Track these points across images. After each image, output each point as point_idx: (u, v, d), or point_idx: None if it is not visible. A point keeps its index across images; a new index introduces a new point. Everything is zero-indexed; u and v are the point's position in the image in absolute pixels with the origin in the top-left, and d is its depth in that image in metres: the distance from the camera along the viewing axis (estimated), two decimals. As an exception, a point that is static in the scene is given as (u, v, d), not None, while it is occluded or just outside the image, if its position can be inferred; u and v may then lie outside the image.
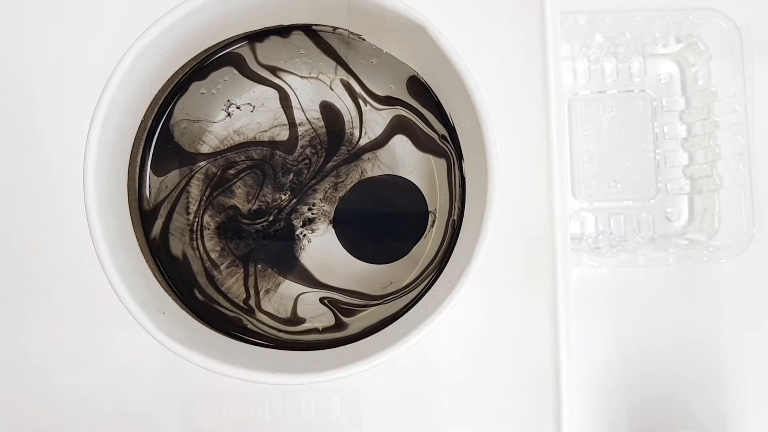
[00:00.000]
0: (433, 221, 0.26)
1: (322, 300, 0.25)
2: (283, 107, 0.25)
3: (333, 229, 0.26)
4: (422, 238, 0.26)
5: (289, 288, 0.25)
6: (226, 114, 0.26)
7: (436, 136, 0.25)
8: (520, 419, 0.28)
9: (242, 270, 0.25)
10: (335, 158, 0.26)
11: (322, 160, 0.26)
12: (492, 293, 0.28)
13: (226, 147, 0.25)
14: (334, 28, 0.25)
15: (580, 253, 0.30)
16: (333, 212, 0.26)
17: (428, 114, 0.25)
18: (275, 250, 0.25)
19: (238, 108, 0.25)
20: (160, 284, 0.24)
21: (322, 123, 0.26)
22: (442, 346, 0.28)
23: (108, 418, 0.28)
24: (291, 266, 0.25)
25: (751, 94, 0.30)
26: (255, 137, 0.25)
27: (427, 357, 0.28)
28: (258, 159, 0.25)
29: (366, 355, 0.20)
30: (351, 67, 0.25)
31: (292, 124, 0.26)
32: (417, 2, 0.22)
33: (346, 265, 0.26)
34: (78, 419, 0.28)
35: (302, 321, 0.25)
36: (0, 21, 0.28)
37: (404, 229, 0.26)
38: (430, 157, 0.26)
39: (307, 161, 0.26)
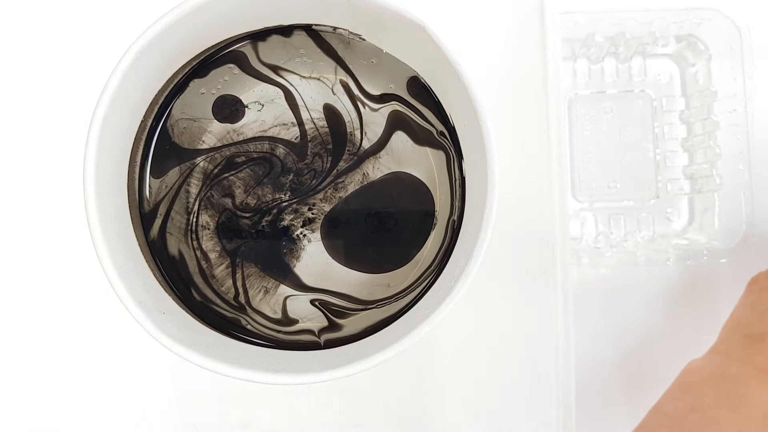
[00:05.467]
0: (435, 222, 0.26)
1: (312, 302, 0.25)
2: (289, 106, 0.25)
3: (321, 241, 0.25)
4: (424, 242, 0.26)
5: (279, 289, 0.25)
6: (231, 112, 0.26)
7: (433, 131, 0.25)
8: (519, 418, 0.28)
9: (236, 269, 0.25)
10: (340, 164, 0.25)
11: (328, 165, 0.26)
12: (492, 293, 0.28)
13: (224, 145, 0.25)
14: (335, 28, 0.25)
15: (580, 253, 0.30)
16: (323, 221, 0.26)
17: (427, 112, 0.25)
18: (270, 249, 0.25)
19: (246, 107, 0.25)
20: (160, 284, 0.24)
21: (324, 124, 0.26)
22: (442, 346, 0.28)
23: (108, 417, 0.28)
24: (282, 267, 0.25)
25: (751, 94, 0.30)
26: (255, 136, 0.25)
27: (427, 357, 0.28)
28: (258, 158, 0.25)
29: (366, 355, 0.20)
30: (350, 67, 0.25)
31: (300, 123, 0.26)
32: (417, 2, 0.22)
33: (344, 269, 0.26)
34: (78, 419, 0.28)
35: (295, 321, 0.25)
36: (0, 21, 0.28)
37: (406, 235, 0.26)
38: (428, 150, 0.26)
39: (313, 166, 0.26)
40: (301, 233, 0.25)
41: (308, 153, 0.26)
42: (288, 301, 0.25)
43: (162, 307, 0.22)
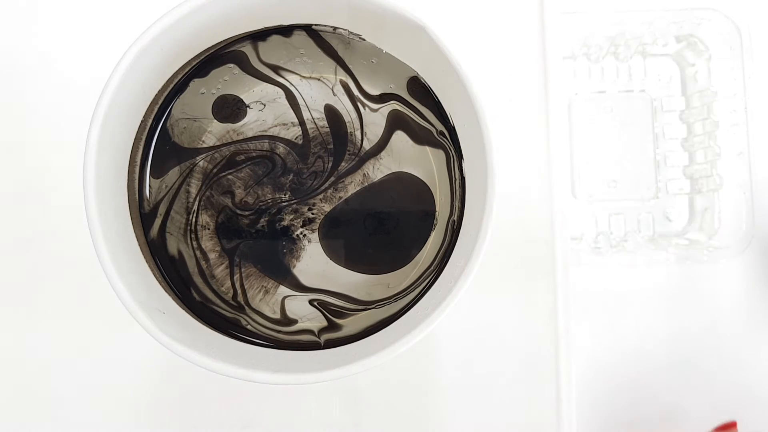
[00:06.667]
0: (435, 223, 0.26)
1: (311, 302, 0.25)
2: (290, 105, 0.25)
3: (321, 242, 0.25)
4: (425, 242, 0.26)
5: (279, 289, 0.25)
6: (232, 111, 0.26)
7: (433, 130, 0.25)
8: (519, 419, 0.28)
9: (235, 268, 0.25)
10: (341, 165, 0.26)
11: (329, 165, 0.26)
12: (492, 294, 0.28)
13: (223, 144, 0.25)
14: (335, 28, 0.25)
15: (580, 253, 0.30)
16: (323, 221, 0.26)
17: (427, 112, 0.25)
18: (269, 249, 0.25)
19: (247, 107, 0.25)
20: (160, 284, 0.24)
21: (325, 124, 0.26)
22: (442, 347, 0.28)
23: (108, 417, 0.28)
24: (281, 267, 0.25)
25: (751, 94, 0.30)
26: (256, 135, 0.25)
27: (427, 357, 0.28)
28: (257, 156, 0.25)
29: (366, 355, 0.20)
30: (350, 67, 0.25)
31: (301, 123, 0.26)
32: (417, 2, 0.22)
33: (343, 269, 0.26)
34: (78, 419, 0.28)
35: (294, 321, 0.25)
36: (0, 21, 0.28)
37: (406, 235, 0.26)
38: (428, 150, 0.26)
39: (314, 166, 0.26)
40: (301, 233, 0.25)
41: (310, 153, 0.26)
42: (286, 301, 0.25)
43: (162, 307, 0.22)
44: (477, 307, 0.28)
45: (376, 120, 0.26)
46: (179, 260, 0.25)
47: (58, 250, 0.28)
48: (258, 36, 0.25)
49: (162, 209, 0.25)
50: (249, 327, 0.25)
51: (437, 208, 0.26)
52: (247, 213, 0.25)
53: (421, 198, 0.26)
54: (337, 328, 0.25)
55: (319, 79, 0.26)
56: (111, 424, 0.28)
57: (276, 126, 0.26)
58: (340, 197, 0.26)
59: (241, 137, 0.25)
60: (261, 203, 0.25)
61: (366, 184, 0.26)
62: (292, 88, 0.26)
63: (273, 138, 0.25)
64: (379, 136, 0.26)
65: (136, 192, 0.24)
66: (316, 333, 0.25)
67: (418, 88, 0.25)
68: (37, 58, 0.28)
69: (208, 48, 0.24)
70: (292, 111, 0.26)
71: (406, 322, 0.23)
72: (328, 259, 0.25)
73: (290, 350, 0.24)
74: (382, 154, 0.26)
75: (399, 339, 0.20)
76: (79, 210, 0.20)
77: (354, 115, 0.26)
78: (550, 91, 0.28)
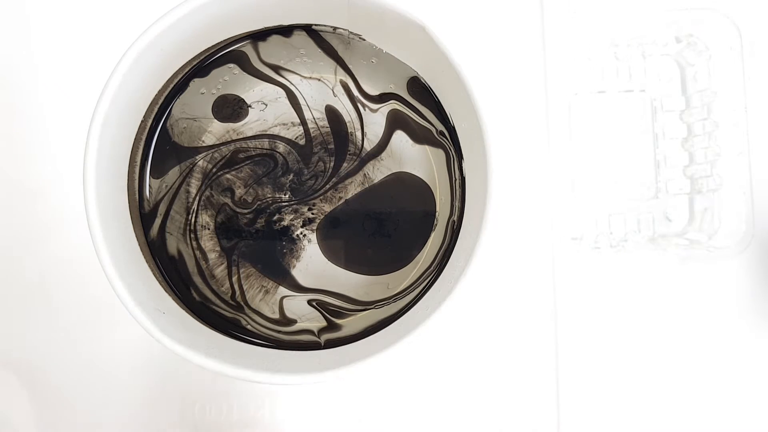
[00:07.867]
0: (436, 223, 0.26)
1: (309, 302, 0.25)
2: (292, 105, 0.25)
3: (321, 242, 0.25)
4: (425, 243, 0.26)
5: (279, 289, 0.25)
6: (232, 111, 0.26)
7: (433, 130, 0.25)
8: (519, 419, 0.28)
9: (234, 268, 0.25)
10: (342, 165, 0.26)
11: (330, 166, 0.26)
12: (491, 293, 0.28)
13: (222, 143, 0.25)
14: (335, 28, 0.25)
15: (581, 253, 0.30)
16: (323, 221, 0.26)
17: (427, 112, 0.25)
18: (269, 249, 0.25)
19: (249, 107, 0.25)
20: (160, 284, 0.24)
21: (326, 124, 0.26)
22: (442, 346, 0.28)
23: (108, 418, 0.28)
24: (281, 267, 0.25)
25: (751, 94, 0.30)
26: (256, 135, 0.25)
27: (427, 357, 0.28)
28: (256, 155, 0.25)
29: (366, 355, 0.20)
30: (350, 67, 0.25)
31: (302, 123, 0.26)
32: (417, 2, 0.22)
33: (343, 270, 0.26)
34: (78, 419, 0.28)
35: (294, 321, 0.25)
36: (0, 21, 0.28)
37: (407, 236, 0.26)
38: (428, 149, 0.26)
39: (314, 166, 0.26)
40: (301, 233, 0.25)
41: (311, 153, 0.26)
42: (285, 301, 0.25)
43: (162, 307, 0.22)
44: (477, 306, 0.28)
45: (376, 120, 0.26)
46: (179, 260, 0.25)
47: (57, 250, 0.28)
48: (258, 36, 0.25)
49: (162, 209, 0.25)
50: (249, 327, 0.25)
51: (437, 209, 0.26)
52: (246, 212, 0.25)
53: (422, 198, 0.26)
54: (336, 329, 0.25)
55: (319, 80, 0.26)
56: (111, 424, 0.28)
57: (277, 126, 0.26)
58: (341, 197, 0.26)
59: (241, 137, 0.25)
60: (261, 202, 0.25)
61: (366, 185, 0.26)
62: (292, 88, 0.26)
63: (274, 137, 0.25)
64: (380, 136, 0.26)
65: (136, 192, 0.24)
66: (316, 333, 0.25)
67: (419, 88, 0.25)
68: (37, 58, 0.28)
69: (209, 48, 0.24)
70: (293, 110, 0.26)
71: (405, 323, 0.23)
72: (329, 259, 0.25)
73: (290, 350, 0.24)
74: (383, 154, 0.26)
75: (399, 339, 0.20)
76: (79, 210, 0.20)
77: (354, 115, 0.26)
78: (550, 91, 0.28)
